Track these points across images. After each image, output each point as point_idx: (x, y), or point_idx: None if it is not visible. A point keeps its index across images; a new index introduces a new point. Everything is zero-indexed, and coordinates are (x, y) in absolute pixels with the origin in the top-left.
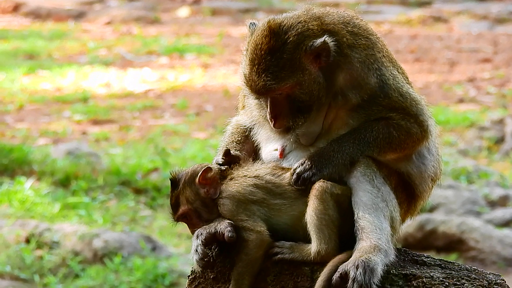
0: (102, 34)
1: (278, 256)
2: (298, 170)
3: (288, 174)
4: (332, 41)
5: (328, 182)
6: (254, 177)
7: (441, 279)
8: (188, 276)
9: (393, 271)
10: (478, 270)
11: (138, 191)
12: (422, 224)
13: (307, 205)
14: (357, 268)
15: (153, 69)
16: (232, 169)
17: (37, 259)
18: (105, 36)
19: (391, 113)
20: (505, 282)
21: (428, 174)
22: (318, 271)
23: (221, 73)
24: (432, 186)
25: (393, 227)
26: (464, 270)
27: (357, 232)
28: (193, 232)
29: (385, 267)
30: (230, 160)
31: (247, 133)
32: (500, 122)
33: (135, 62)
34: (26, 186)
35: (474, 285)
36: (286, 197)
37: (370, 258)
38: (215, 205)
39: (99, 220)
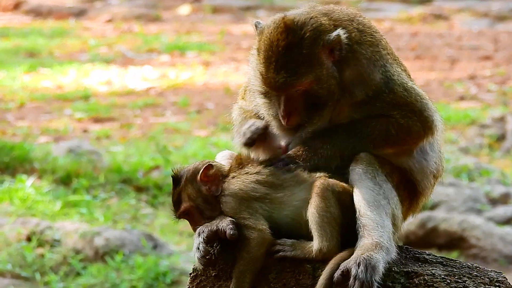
0: (103, 31)
1: (280, 253)
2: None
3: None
4: (344, 35)
5: (329, 179)
6: (255, 173)
7: (442, 276)
8: (190, 274)
9: (394, 268)
10: (480, 268)
11: (140, 189)
12: (424, 222)
13: (305, 193)
14: (358, 265)
15: (154, 67)
16: (234, 167)
17: (38, 257)
18: (106, 34)
19: (393, 110)
20: (507, 279)
21: (430, 170)
22: (320, 269)
23: (222, 70)
24: (434, 183)
25: (394, 224)
26: (465, 267)
27: (359, 229)
28: (194, 229)
29: (387, 265)
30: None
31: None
32: (501, 119)
33: (136, 60)
34: (27, 184)
35: (475, 283)
36: (286, 186)
37: (372, 255)
38: (217, 203)
39: (100, 218)
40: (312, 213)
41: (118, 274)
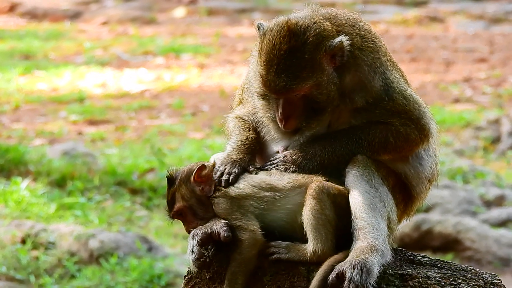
0: (98, 34)
1: (275, 256)
2: (277, 161)
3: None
4: (347, 41)
5: (325, 182)
6: (245, 177)
7: (437, 279)
8: (184, 277)
9: (389, 271)
10: (474, 270)
11: (134, 191)
12: (418, 224)
13: (300, 197)
14: (353, 268)
15: (149, 69)
16: None
17: (33, 259)
18: (101, 36)
19: (392, 118)
20: (501, 281)
21: (425, 175)
22: (314, 271)
23: (217, 73)
24: (429, 187)
25: (390, 227)
26: (460, 270)
27: (354, 232)
28: (187, 230)
29: (382, 268)
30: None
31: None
32: (496, 122)
33: (131, 62)
34: (22, 186)
35: (470, 285)
36: (275, 189)
37: (367, 258)
38: (210, 203)
39: (95, 221)
40: (307, 215)
41: (112, 277)
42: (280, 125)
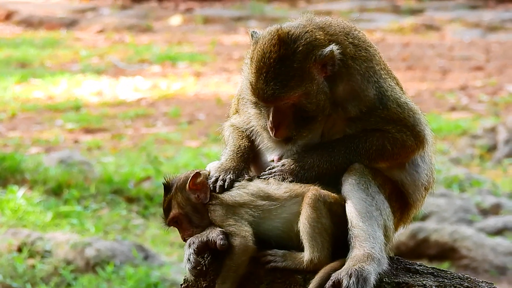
0: (94, 42)
1: (271, 264)
2: (275, 171)
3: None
4: (338, 50)
5: (321, 190)
6: (242, 184)
7: (433, 287)
8: (181, 285)
9: (386, 279)
10: (471, 279)
11: (131, 200)
12: (415, 233)
13: (297, 207)
14: (350, 277)
15: (146, 78)
16: None
17: (29, 268)
18: (97, 44)
19: (388, 125)
20: None
21: (421, 183)
22: (310, 280)
23: (214, 81)
24: (425, 195)
25: (386, 235)
26: (456, 278)
27: (351, 240)
28: (183, 237)
29: (378, 276)
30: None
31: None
32: (492, 130)
33: (128, 70)
34: (18, 194)
35: None
36: (272, 199)
37: (363, 267)
38: (206, 211)
39: (91, 229)
40: (303, 224)
41: (109, 285)
42: (270, 134)
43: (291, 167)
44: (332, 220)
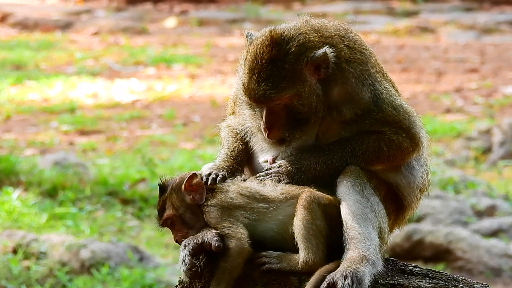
0: (89, 44)
1: (266, 266)
2: (271, 172)
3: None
4: (331, 53)
5: (315, 192)
6: (237, 186)
7: None
8: (176, 286)
9: (380, 281)
10: (466, 280)
11: (126, 202)
12: (410, 234)
13: (292, 209)
14: (345, 278)
15: (140, 80)
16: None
17: (24, 269)
18: (92, 47)
19: (383, 127)
20: None
21: (416, 185)
22: (305, 281)
23: (208, 83)
24: (420, 197)
25: (381, 237)
26: (451, 280)
27: (345, 242)
28: (175, 238)
29: (373, 278)
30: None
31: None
32: (487, 132)
33: (122, 72)
34: (13, 196)
35: None
36: (268, 201)
37: (358, 268)
38: (200, 212)
39: (86, 231)
40: (298, 226)
41: (104, 287)
42: (264, 134)
43: (288, 168)
44: (327, 221)
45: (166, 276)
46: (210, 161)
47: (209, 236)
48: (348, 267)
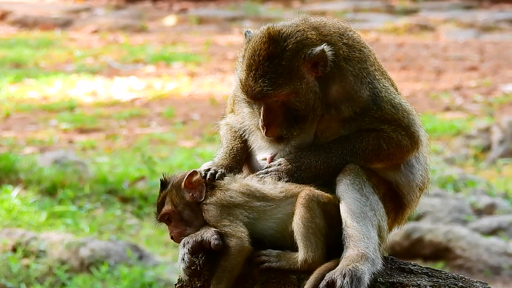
0: (88, 42)
1: (265, 264)
2: (271, 170)
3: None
4: (329, 51)
5: (315, 190)
6: (236, 182)
7: (428, 287)
8: (175, 285)
9: (380, 279)
10: (465, 278)
11: (125, 200)
12: (409, 233)
13: (291, 207)
14: (344, 276)
15: (140, 78)
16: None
17: (24, 267)
18: (92, 45)
19: (383, 125)
20: None
21: (416, 184)
22: (305, 280)
23: (208, 81)
24: (420, 195)
25: (380, 236)
26: (451, 278)
27: (345, 240)
28: (171, 234)
29: (372, 276)
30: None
31: (242, 137)
32: (487, 130)
33: (122, 70)
34: (13, 194)
35: None
36: (268, 199)
37: (357, 267)
38: (200, 210)
39: (85, 229)
40: (297, 224)
41: (103, 285)
42: (262, 132)
43: (288, 167)
44: (326, 220)
45: (165, 274)
46: (210, 159)
47: (208, 234)
48: (347, 265)
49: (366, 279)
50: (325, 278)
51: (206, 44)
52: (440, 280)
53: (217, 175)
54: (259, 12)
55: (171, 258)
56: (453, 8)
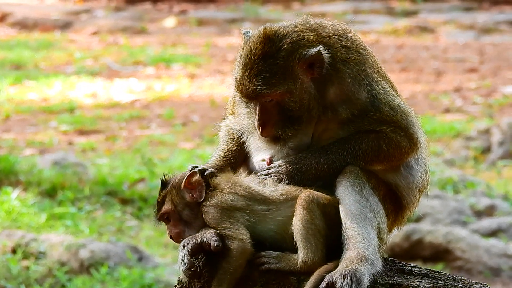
0: (88, 44)
1: (265, 266)
2: (272, 171)
3: (269, 181)
4: (326, 53)
5: (314, 192)
6: (236, 185)
7: None
8: (175, 286)
9: (379, 280)
10: (465, 280)
11: (125, 201)
12: (409, 234)
13: (292, 210)
14: (343, 278)
15: (140, 79)
16: (217, 179)
17: (24, 269)
18: (92, 46)
19: (381, 126)
20: None
21: (415, 185)
22: (305, 281)
23: (208, 83)
24: (419, 197)
25: (380, 237)
26: (451, 279)
27: (345, 241)
28: (169, 234)
29: (372, 277)
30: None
31: (240, 139)
32: (487, 132)
33: (122, 72)
34: (13, 196)
35: None
36: (269, 202)
37: (357, 268)
38: (199, 211)
39: (85, 231)
40: (297, 225)
41: (103, 287)
42: (258, 132)
43: (288, 169)
44: (326, 221)
45: (165, 276)
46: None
47: (208, 235)
48: (347, 267)
49: (366, 280)
50: (324, 279)
51: (206, 46)
52: (440, 282)
53: (206, 172)
54: (259, 14)
55: (171, 260)
56: (453, 9)
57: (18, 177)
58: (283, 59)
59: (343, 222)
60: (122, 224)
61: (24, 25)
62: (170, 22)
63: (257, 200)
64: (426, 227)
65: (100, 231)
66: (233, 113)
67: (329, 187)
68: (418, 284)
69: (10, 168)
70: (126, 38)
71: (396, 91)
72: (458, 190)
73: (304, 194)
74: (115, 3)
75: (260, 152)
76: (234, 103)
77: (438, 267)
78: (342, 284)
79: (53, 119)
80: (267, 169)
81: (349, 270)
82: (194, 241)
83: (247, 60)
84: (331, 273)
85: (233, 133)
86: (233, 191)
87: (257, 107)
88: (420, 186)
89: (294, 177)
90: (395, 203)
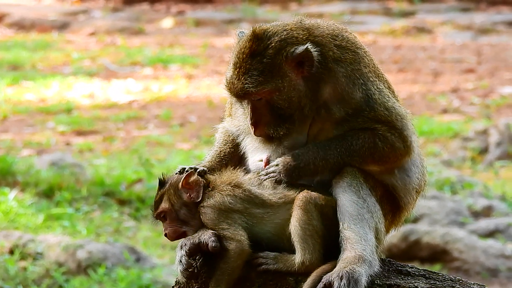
0: (86, 44)
1: (263, 266)
2: (270, 170)
3: (268, 183)
4: (315, 51)
5: (312, 192)
6: (235, 187)
7: None
8: (173, 287)
9: (377, 281)
10: (462, 281)
11: (122, 202)
12: (406, 235)
13: (289, 213)
14: (341, 279)
15: (137, 80)
16: (215, 178)
17: (21, 270)
18: (89, 47)
19: (377, 124)
20: None
21: (412, 186)
22: (302, 282)
23: (205, 83)
24: (417, 198)
25: (377, 238)
26: (448, 280)
27: (342, 242)
28: (165, 232)
29: (369, 278)
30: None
31: (236, 141)
32: (484, 132)
33: (119, 73)
34: (10, 197)
35: None
36: (267, 206)
37: (355, 269)
38: (197, 211)
39: (83, 231)
40: (294, 226)
41: (100, 287)
42: (251, 131)
43: (286, 166)
44: (323, 222)
45: (163, 277)
46: None
47: (206, 236)
48: (344, 267)
49: (363, 281)
50: (322, 280)
51: (203, 46)
52: (437, 282)
53: (198, 170)
54: (257, 14)
55: (168, 260)
56: (450, 10)
57: (15, 177)
58: (270, 57)
59: (340, 223)
60: (119, 225)
61: (21, 25)
62: (167, 22)
63: (256, 203)
64: (423, 227)
65: (97, 232)
66: (230, 115)
67: (327, 188)
68: (415, 285)
69: (8, 168)
70: (124, 38)
71: (393, 92)
72: (456, 191)
73: (302, 194)
74: (112, 3)
75: (257, 153)
76: (231, 104)
77: (436, 267)
78: (340, 285)
79: (51, 120)
80: (266, 168)
81: (347, 271)
82: (191, 241)
83: (236, 59)
84: (328, 274)
85: (228, 135)
86: (231, 193)
87: (249, 106)
88: (417, 187)
89: (292, 174)
90: (393, 204)
